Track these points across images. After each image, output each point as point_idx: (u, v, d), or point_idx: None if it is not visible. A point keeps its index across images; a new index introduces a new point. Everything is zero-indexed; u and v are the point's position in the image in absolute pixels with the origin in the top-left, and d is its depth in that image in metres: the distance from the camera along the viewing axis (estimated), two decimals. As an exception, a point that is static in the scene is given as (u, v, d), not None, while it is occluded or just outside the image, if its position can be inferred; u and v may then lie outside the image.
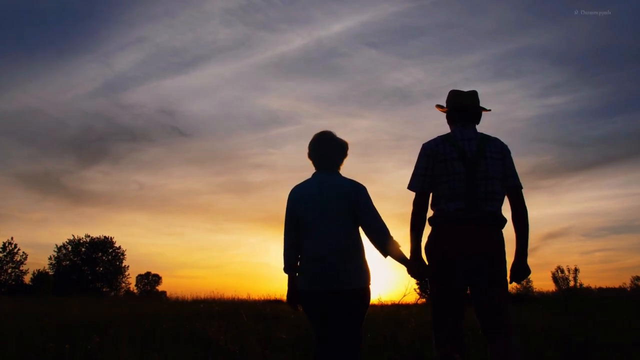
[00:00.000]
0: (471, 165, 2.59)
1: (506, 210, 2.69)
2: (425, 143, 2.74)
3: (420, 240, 2.66)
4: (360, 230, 2.66)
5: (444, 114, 2.89)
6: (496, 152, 2.65)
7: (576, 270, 42.51)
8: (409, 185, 2.73)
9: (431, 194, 2.71)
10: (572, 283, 42.23)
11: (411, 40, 66.66)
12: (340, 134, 2.81)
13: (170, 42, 64.47)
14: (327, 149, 2.72)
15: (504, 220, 2.64)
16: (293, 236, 2.69)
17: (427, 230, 2.71)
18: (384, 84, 67.05)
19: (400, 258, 2.61)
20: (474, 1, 60.98)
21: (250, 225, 69.65)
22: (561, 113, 64.20)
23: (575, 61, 63.48)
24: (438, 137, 2.75)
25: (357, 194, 2.61)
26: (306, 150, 2.79)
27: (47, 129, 67.92)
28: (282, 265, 2.75)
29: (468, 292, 2.63)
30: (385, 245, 2.58)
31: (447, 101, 2.84)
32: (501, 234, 2.63)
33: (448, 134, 2.77)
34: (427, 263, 2.65)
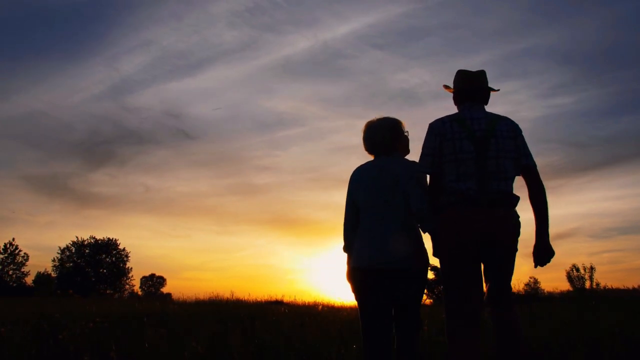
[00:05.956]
0: (480, 144, 2.55)
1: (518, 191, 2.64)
2: (432, 122, 2.69)
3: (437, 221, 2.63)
4: None
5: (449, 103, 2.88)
6: (507, 131, 2.60)
7: (592, 269, 41.38)
8: (417, 165, 2.66)
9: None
10: (588, 283, 41.05)
11: (417, 41, 65.86)
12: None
13: (177, 44, 64.38)
14: (376, 135, 2.73)
15: (516, 198, 2.58)
16: (352, 217, 2.73)
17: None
18: (390, 85, 66.16)
19: (435, 233, 2.60)
20: (479, 2, 60.36)
21: (256, 227, 69.46)
22: (568, 113, 62.95)
23: (581, 61, 62.26)
24: (445, 116, 2.70)
25: (411, 173, 2.60)
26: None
27: (54, 132, 67.85)
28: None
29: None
30: (426, 220, 2.56)
31: (455, 81, 2.79)
32: (515, 212, 2.57)
33: (456, 113, 2.72)
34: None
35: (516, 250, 2.56)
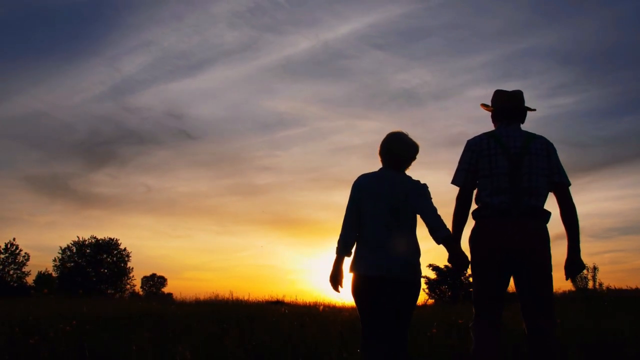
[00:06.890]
0: (515, 161, 2.63)
1: (552, 207, 2.70)
2: (470, 139, 2.81)
3: (461, 233, 2.76)
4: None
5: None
6: (541, 149, 2.68)
7: (595, 269, 41.19)
8: (452, 180, 2.80)
9: (476, 189, 2.77)
10: (590, 283, 40.83)
11: (418, 41, 65.16)
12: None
13: (177, 45, 63.66)
14: (399, 149, 2.81)
15: (548, 214, 2.65)
16: (354, 222, 2.76)
17: (470, 224, 2.78)
18: (391, 85, 65.52)
19: (451, 245, 2.65)
20: (480, 2, 59.55)
21: (257, 228, 69.17)
22: (569, 113, 62.44)
23: (582, 61, 61.59)
24: (483, 133, 2.81)
25: (419, 190, 2.73)
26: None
27: (54, 132, 67.01)
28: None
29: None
30: (440, 229, 2.63)
31: (493, 101, 2.90)
32: (545, 228, 2.64)
33: (493, 131, 2.82)
34: (468, 255, 2.69)
35: (549, 264, 2.60)
